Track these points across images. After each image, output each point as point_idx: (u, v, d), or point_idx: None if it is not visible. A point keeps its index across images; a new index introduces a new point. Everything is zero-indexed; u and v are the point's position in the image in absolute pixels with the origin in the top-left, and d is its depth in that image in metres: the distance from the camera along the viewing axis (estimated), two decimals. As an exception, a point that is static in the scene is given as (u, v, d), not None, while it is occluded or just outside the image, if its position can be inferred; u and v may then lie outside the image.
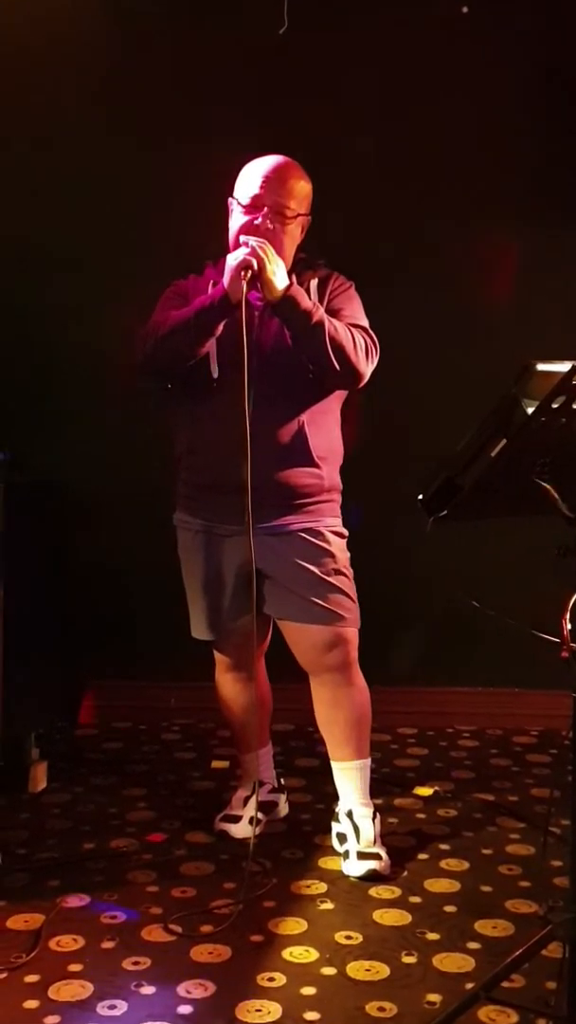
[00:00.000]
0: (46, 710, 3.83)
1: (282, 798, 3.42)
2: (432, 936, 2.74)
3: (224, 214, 3.02)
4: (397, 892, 2.95)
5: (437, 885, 3.00)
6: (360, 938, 2.73)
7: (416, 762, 3.91)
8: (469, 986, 2.45)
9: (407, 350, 3.51)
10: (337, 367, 2.90)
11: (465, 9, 3.84)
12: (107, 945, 2.68)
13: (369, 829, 3.09)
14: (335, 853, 3.15)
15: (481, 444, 2.09)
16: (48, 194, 4.06)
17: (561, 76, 3.98)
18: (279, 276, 2.87)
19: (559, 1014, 2.27)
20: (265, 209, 2.92)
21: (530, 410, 2.03)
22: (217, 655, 3.25)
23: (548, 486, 2.16)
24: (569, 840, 2.19)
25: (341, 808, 3.17)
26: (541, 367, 2.04)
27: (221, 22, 3.97)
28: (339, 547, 3.08)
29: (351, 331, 2.93)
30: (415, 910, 2.86)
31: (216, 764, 3.84)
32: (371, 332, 3.00)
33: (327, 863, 3.11)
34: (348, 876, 3.03)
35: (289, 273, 2.94)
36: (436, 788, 3.64)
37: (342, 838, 3.13)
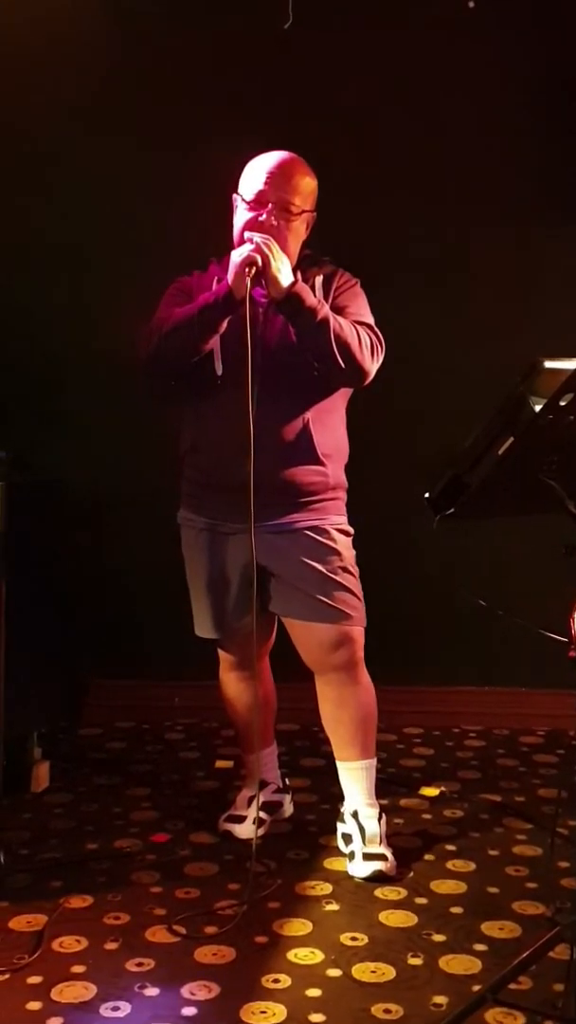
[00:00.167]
0: (49, 709, 3.82)
1: (287, 798, 3.41)
2: (438, 937, 2.72)
3: (228, 211, 3.00)
4: (403, 893, 2.94)
5: (443, 886, 2.98)
6: (366, 939, 2.71)
7: (422, 762, 3.89)
8: (476, 988, 2.44)
9: (412, 347, 3.50)
10: (342, 364, 2.88)
11: (472, 3, 3.82)
12: (110, 946, 2.66)
13: (375, 830, 3.07)
14: (340, 854, 3.13)
15: (488, 442, 2.08)
16: (49, 194, 4.05)
17: (563, 74, 3.96)
18: (284, 273, 2.85)
19: (567, 1016, 2.26)
20: (270, 205, 2.91)
21: (537, 408, 2.02)
22: (221, 654, 3.24)
23: (555, 484, 2.15)
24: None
25: (347, 808, 3.15)
26: (548, 364, 2.03)
27: (223, 20, 3.96)
28: (345, 545, 3.06)
29: (356, 328, 2.92)
30: (421, 911, 2.84)
31: (220, 764, 3.83)
32: (376, 329, 2.99)
33: (332, 864, 3.09)
34: (353, 877, 3.01)
35: (294, 270, 2.93)
36: (442, 788, 3.62)
37: (347, 839, 3.12)
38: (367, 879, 2.99)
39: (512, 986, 2.35)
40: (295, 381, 2.95)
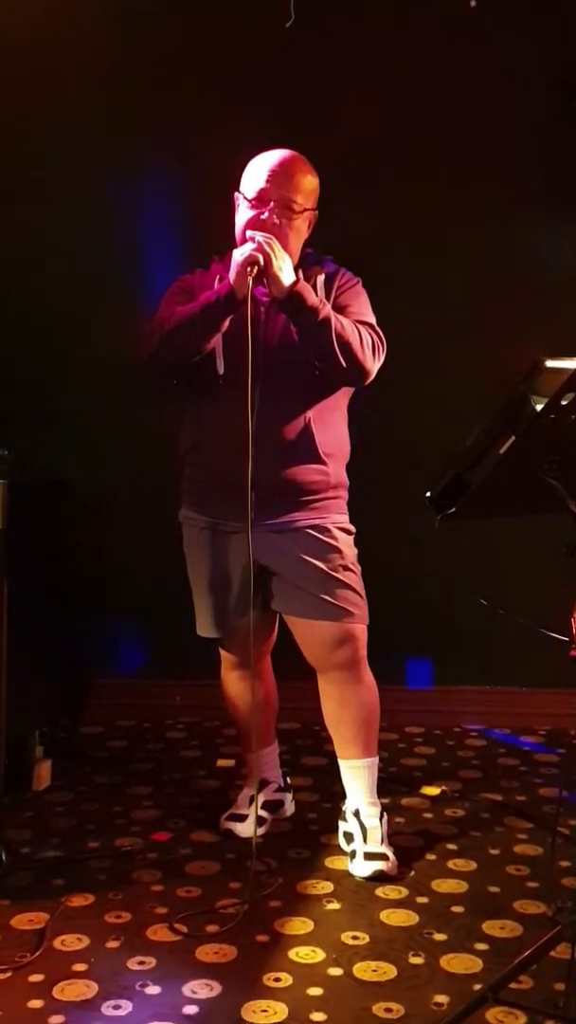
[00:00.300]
0: (50, 708, 3.82)
1: (288, 797, 3.41)
2: (439, 937, 2.72)
3: (230, 209, 3.00)
4: (404, 892, 2.94)
5: (444, 885, 2.98)
6: (367, 938, 2.71)
7: (423, 761, 3.89)
8: (477, 987, 2.44)
9: (413, 347, 3.50)
10: (343, 364, 2.88)
11: (473, 2, 3.82)
12: (112, 944, 2.66)
13: (376, 829, 3.07)
14: (342, 852, 3.13)
15: (490, 441, 2.08)
16: (49, 193, 4.05)
17: (565, 73, 3.96)
18: (285, 272, 2.85)
19: (568, 1016, 2.26)
20: (272, 204, 2.91)
21: (539, 407, 2.02)
22: (223, 652, 3.24)
23: (557, 484, 2.15)
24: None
25: (348, 807, 3.15)
26: (550, 364, 2.03)
27: (225, 19, 3.95)
28: (346, 543, 3.06)
29: (358, 328, 2.92)
30: (422, 910, 2.84)
31: (222, 762, 3.83)
32: (378, 329, 2.99)
33: (334, 863, 3.10)
34: (355, 876, 3.01)
35: (296, 269, 2.93)
36: (443, 788, 3.62)
37: (349, 837, 3.12)
38: (368, 878, 2.99)
39: (513, 985, 2.35)
40: (297, 380, 2.95)
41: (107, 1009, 2.41)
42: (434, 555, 3.94)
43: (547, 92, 3.97)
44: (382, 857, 3.02)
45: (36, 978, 2.52)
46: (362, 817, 3.09)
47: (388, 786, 3.50)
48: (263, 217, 2.91)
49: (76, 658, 4.07)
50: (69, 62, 3.99)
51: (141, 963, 2.59)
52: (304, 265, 3.01)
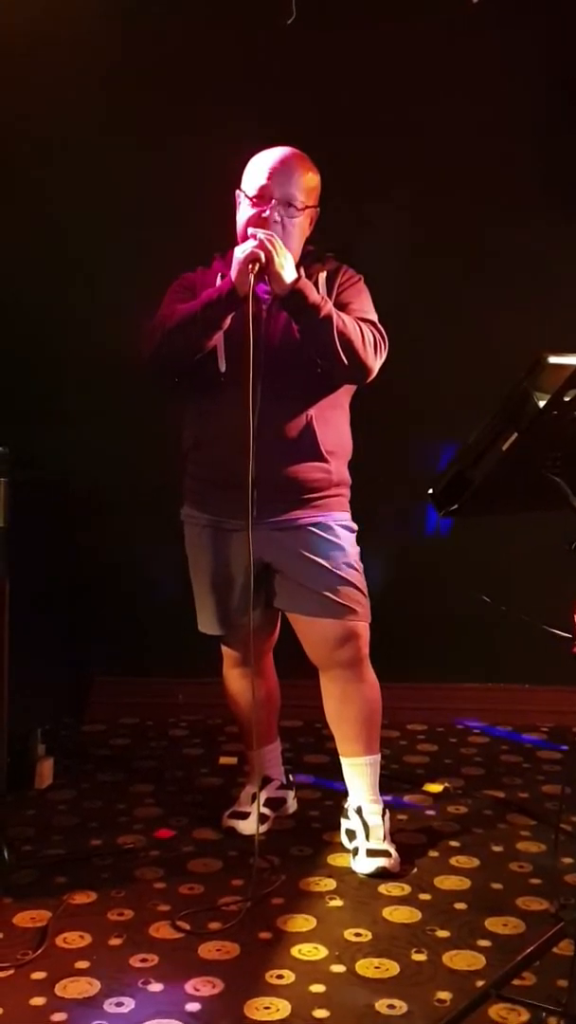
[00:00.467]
0: (53, 706, 3.82)
1: (290, 794, 3.41)
2: (442, 933, 2.72)
3: (231, 206, 3.00)
4: (407, 889, 2.94)
5: (447, 882, 2.98)
6: (369, 935, 2.71)
7: (426, 759, 3.89)
8: (480, 984, 2.44)
9: (415, 344, 3.49)
10: (345, 362, 2.88)
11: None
12: (114, 942, 2.66)
13: (379, 826, 3.07)
14: (344, 850, 3.13)
15: (492, 438, 2.08)
16: (50, 191, 4.04)
17: (567, 71, 3.95)
18: (287, 269, 2.85)
19: (571, 1012, 2.26)
20: (273, 201, 2.90)
21: (541, 403, 2.01)
22: (225, 650, 3.24)
23: (559, 480, 2.14)
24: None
25: (350, 804, 3.15)
26: (552, 360, 2.02)
27: (226, 16, 3.94)
28: (349, 541, 3.06)
29: (360, 325, 2.91)
30: (425, 907, 2.84)
31: (224, 760, 3.83)
32: (379, 326, 2.98)
33: (336, 860, 3.10)
34: (357, 873, 3.01)
35: (297, 266, 2.92)
36: (446, 785, 3.62)
37: (351, 835, 3.12)
38: (371, 875, 2.99)
39: (516, 982, 2.34)
40: (298, 378, 2.95)
41: (109, 1006, 2.41)
42: (436, 552, 3.94)
43: (548, 91, 3.96)
44: (384, 854, 3.02)
45: (38, 976, 2.52)
46: (364, 814, 3.09)
47: (390, 783, 3.50)
48: (264, 215, 2.90)
49: (78, 656, 4.07)
50: (68, 62, 3.98)
51: (143, 960, 2.59)
52: (306, 262, 3.01)
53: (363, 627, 3.06)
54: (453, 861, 3.10)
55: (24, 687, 3.27)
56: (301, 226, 2.97)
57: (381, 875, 2.99)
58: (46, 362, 4.06)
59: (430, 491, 2.18)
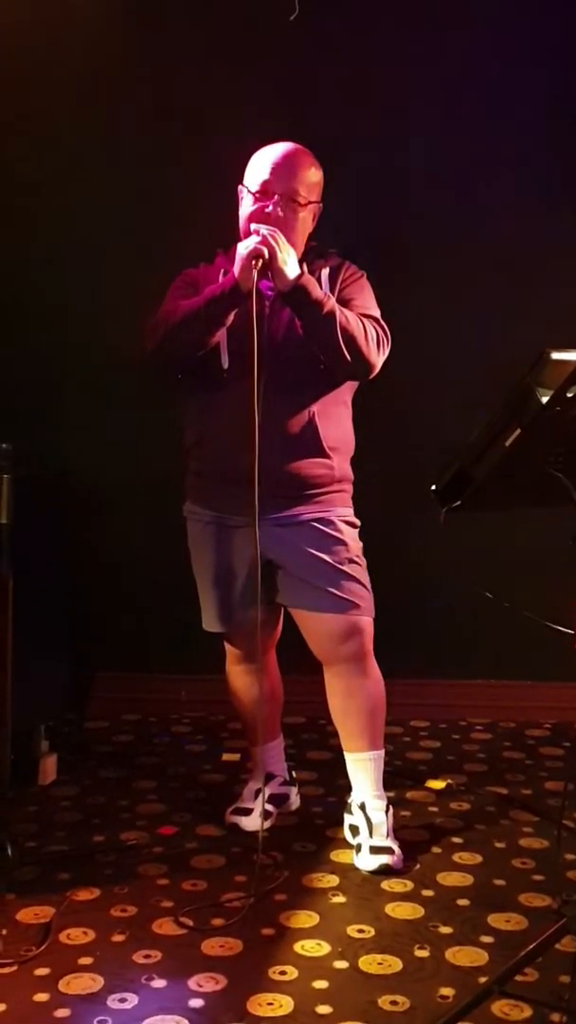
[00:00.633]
0: (55, 702, 3.82)
1: (293, 791, 3.41)
2: (445, 930, 2.72)
3: (234, 202, 2.99)
4: (410, 885, 2.94)
5: (450, 879, 2.98)
6: (372, 932, 2.71)
7: (429, 755, 3.89)
8: (482, 980, 2.44)
9: (418, 340, 3.49)
10: (348, 358, 2.88)
11: None
12: (117, 938, 2.67)
13: (382, 822, 3.07)
14: (347, 846, 3.13)
15: (495, 433, 2.07)
16: (52, 188, 4.04)
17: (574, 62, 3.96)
18: (290, 265, 2.84)
19: (573, 1008, 2.26)
20: (276, 197, 2.90)
21: (544, 399, 2.01)
22: (227, 647, 3.24)
23: (562, 476, 2.14)
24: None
25: (354, 800, 3.15)
26: (556, 355, 2.02)
27: (230, 12, 3.94)
28: (351, 536, 3.06)
29: (362, 321, 2.91)
30: (428, 904, 2.84)
31: (227, 757, 3.83)
32: (382, 322, 2.98)
33: (339, 856, 3.09)
34: (360, 869, 3.01)
35: (300, 262, 2.92)
36: (449, 781, 3.62)
37: (354, 831, 3.12)
38: (374, 871, 2.99)
39: (518, 978, 2.34)
40: (301, 374, 2.94)
41: (113, 1002, 2.41)
42: (439, 548, 3.93)
43: (556, 81, 3.95)
44: (388, 851, 3.02)
45: (42, 972, 2.52)
46: (368, 810, 3.09)
47: (393, 780, 3.49)
48: (267, 210, 2.90)
49: (81, 652, 4.06)
50: (69, 58, 3.98)
51: (147, 957, 2.59)
52: (308, 258, 3.01)
53: (367, 622, 3.06)
54: (456, 857, 3.10)
55: (27, 684, 3.27)
56: (304, 221, 2.97)
57: (384, 871, 2.98)
58: (47, 359, 4.06)
59: (433, 487, 2.18)
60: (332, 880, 2.96)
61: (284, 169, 2.92)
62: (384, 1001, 2.43)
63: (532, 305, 3.96)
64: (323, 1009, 2.40)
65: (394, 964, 2.57)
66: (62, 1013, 2.38)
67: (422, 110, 3.98)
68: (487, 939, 2.68)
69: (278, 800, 3.33)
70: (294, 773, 3.46)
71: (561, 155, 3.99)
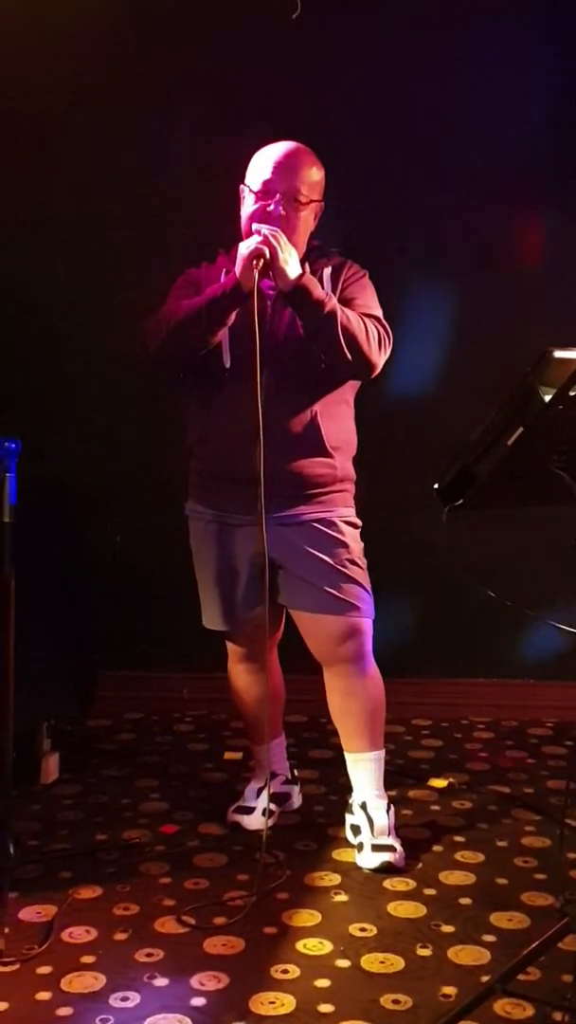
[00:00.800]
0: (58, 701, 3.82)
1: (295, 789, 3.41)
2: (447, 928, 2.72)
3: (236, 201, 2.99)
4: (412, 884, 2.94)
5: (452, 877, 2.98)
6: (374, 930, 2.71)
7: (430, 754, 3.89)
8: (485, 979, 2.44)
9: (420, 339, 3.49)
10: (349, 357, 2.87)
11: None
12: (120, 937, 2.67)
13: (383, 821, 3.07)
14: (349, 845, 3.13)
15: (497, 432, 2.07)
16: (54, 185, 4.04)
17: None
18: (292, 265, 2.84)
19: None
20: (278, 195, 2.90)
21: (547, 398, 2.01)
22: (230, 646, 3.24)
23: (565, 475, 2.14)
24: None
25: (355, 800, 3.15)
26: (558, 354, 2.02)
27: (232, 10, 3.94)
28: (353, 537, 3.06)
29: (364, 321, 2.91)
30: (430, 902, 2.84)
31: (229, 755, 3.83)
32: (384, 322, 2.98)
33: (341, 855, 3.10)
34: (362, 868, 3.01)
35: (302, 261, 2.92)
36: (451, 780, 3.62)
37: (356, 830, 3.12)
38: (376, 870, 2.99)
39: (521, 977, 2.34)
40: (303, 373, 2.94)
41: (115, 1001, 2.42)
42: (441, 547, 3.92)
43: (559, 79, 3.95)
44: (389, 849, 3.02)
45: (44, 970, 2.52)
46: (369, 809, 3.09)
47: (395, 778, 3.50)
48: (269, 209, 2.90)
49: (83, 651, 4.06)
50: (69, 58, 3.98)
51: (149, 955, 2.59)
52: (310, 257, 3.00)
53: (366, 623, 3.06)
54: (458, 856, 3.10)
55: (29, 682, 3.27)
56: (305, 221, 2.96)
57: (386, 870, 2.98)
58: (52, 356, 4.06)
59: (435, 486, 2.18)
60: (334, 879, 2.96)
61: (286, 168, 2.91)
62: (386, 1000, 2.43)
63: (534, 303, 3.96)
64: (325, 1008, 2.40)
65: (396, 963, 2.57)
66: (64, 1012, 2.38)
67: (423, 109, 3.97)
68: (489, 938, 2.68)
69: (280, 799, 3.33)
70: (296, 772, 3.46)
71: (562, 154, 3.99)
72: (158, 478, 3.66)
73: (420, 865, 3.04)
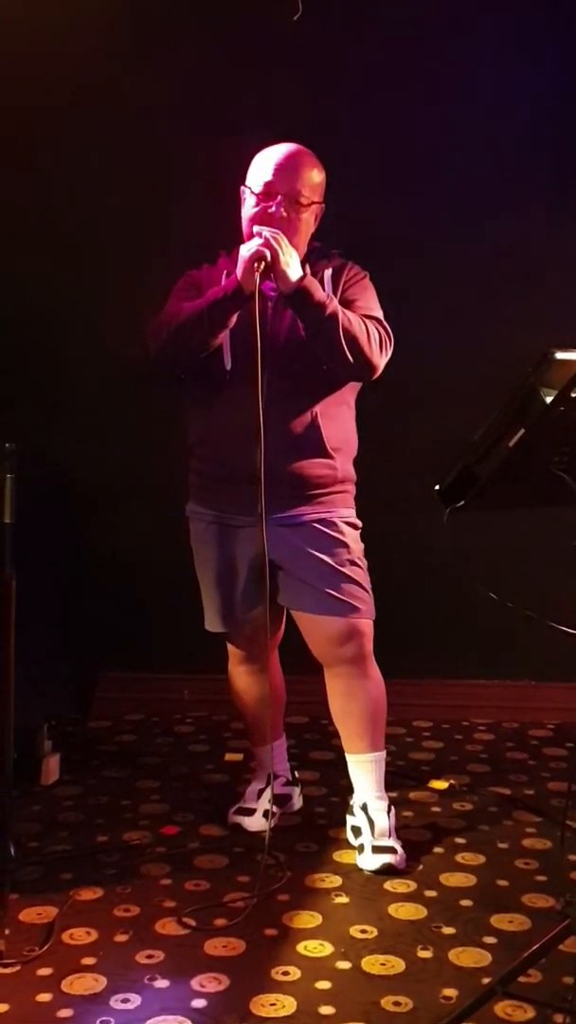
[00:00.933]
0: (58, 702, 3.82)
1: (296, 791, 3.40)
2: (448, 930, 2.72)
3: (236, 203, 2.99)
4: (412, 886, 2.94)
5: (453, 879, 2.98)
6: (375, 932, 2.71)
7: (431, 755, 3.89)
8: (485, 981, 2.43)
9: (422, 341, 3.48)
10: (350, 359, 2.87)
11: None
12: (120, 938, 2.66)
13: (384, 822, 3.07)
14: (350, 846, 3.13)
15: (499, 434, 2.07)
16: (55, 186, 4.04)
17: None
18: (293, 267, 2.84)
19: (577, 1010, 2.26)
20: (279, 197, 2.89)
21: (549, 399, 2.01)
22: (230, 647, 3.23)
23: (566, 476, 2.14)
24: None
25: (356, 801, 3.15)
26: (560, 355, 2.02)
27: (232, 12, 3.93)
28: (353, 538, 3.06)
29: (365, 323, 2.91)
30: (431, 904, 2.84)
31: (230, 757, 3.82)
32: (385, 323, 2.97)
33: (342, 856, 3.09)
34: (363, 870, 3.01)
35: (303, 263, 2.92)
36: (451, 781, 3.62)
37: (357, 831, 3.11)
38: (376, 872, 2.99)
39: (522, 979, 2.34)
40: (304, 375, 2.94)
41: (115, 1003, 2.41)
42: (442, 549, 3.92)
43: (557, 81, 3.95)
44: (390, 851, 3.02)
45: (44, 972, 2.52)
46: (370, 811, 3.08)
47: (396, 780, 3.49)
48: (270, 211, 2.90)
49: (84, 652, 4.06)
50: (71, 56, 3.98)
51: (149, 957, 2.59)
52: (311, 259, 3.00)
53: (367, 624, 3.05)
54: (459, 858, 3.10)
55: (30, 683, 3.27)
56: (306, 222, 2.96)
57: (387, 872, 2.98)
58: (50, 358, 4.06)
59: (436, 487, 2.18)
60: (335, 880, 2.96)
61: (287, 170, 2.91)
62: (387, 1002, 2.42)
63: (536, 305, 3.95)
64: (326, 1010, 2.40)
65: (397, 965, 2.56)
66: (65, 1013, 2.38)
67: (424, 110, 3.97)
68: (490, 940, 2.67)
69: (281, 800, 3.32)
70: (297, 773, 3.45)
71: (562, 154, 3.99)
72: (158, 478, 3.65)
73: (421, 867, 3.04)
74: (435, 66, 3.95)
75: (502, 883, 2.96)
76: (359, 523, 3.10)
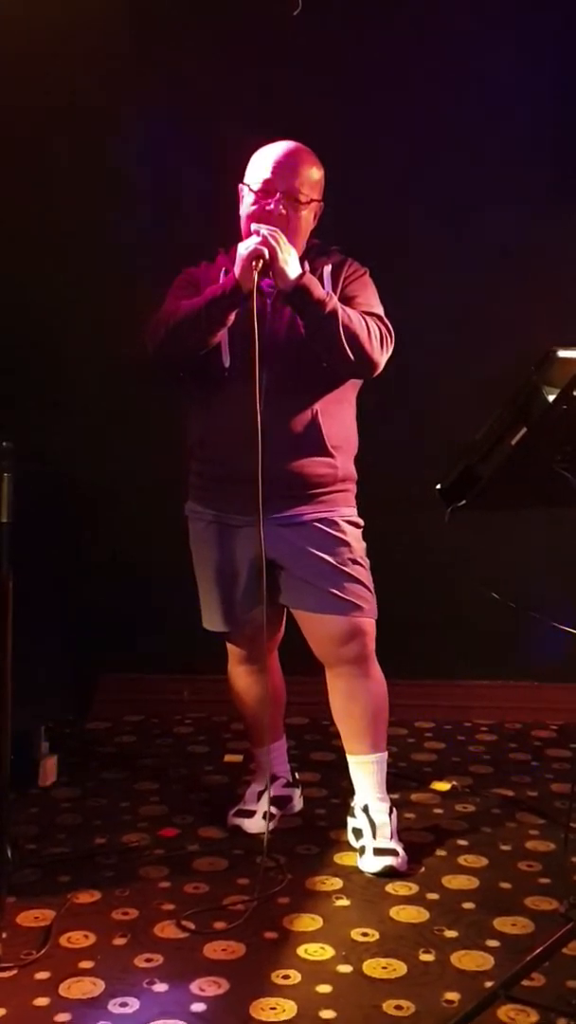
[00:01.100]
0: (56, 703, 3.80)
1: (296, 792, 3.39)
2: (450, 933, 2.70)
3: (235, 200, 2.98)
4: (414, 888, 2.92)
5: (455, 881, 2.96)
6: (376, 935, 2.69)
7: (433, 756, 3.87)
8: (488, 984, 2.41)
9: (422, 337, 3.47)
10: (351, 357, 2.86)
11: None
12: (119, 942, 2.65)
13: (386, 824, 3.05)
14: (351, 848, 3.11)
15: (501, 432, 2.06)
16: (54, 184, 4.03)
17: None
18: (291, 265, 2.82)
19: (580, 1013, 2.24)
20: (277, 195, 2.88)
21: (551, 397, 2.00)
22: (230, 647, 3.22)
23: (569, 475, 2.13)
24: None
25: (357, 803, 3.13)
26: (562, 354, 2.01)
27: (232, 8, 3.92)
28: (355, 537, 3.04)
29: (365, 320, 2.89)
30: (433, 907, 2.82)
31: (229, 758, 3.81)
32: (386, 320, 2.96)
33: (343, 859, 3.08)
34: (364, 872, 2.99)
35: (302, 260, 2.90)
36: (454, 783, 3.60)
37: (358, 833, 3.10)
38: (378, 874, 2.97)
39: (525, 982, 2.33)
40: (304, 373, 2.93)
41: (114, 1007, 2.39)
42: (443, 548, 3.92)
43: (560, 77, 3.94)
44: (392, 853, 3.00)
45: (42, 976, 2.50)
46: (371, 812, 3.07)
47: (398, 781, 3.48)
48: (268, 209, 2.89)
49: (82, 653, 4.04)
50: (71, 56, 3.97)
51: (148, 960, 2.57)
52: (310, 256, 2.99)
53: (369, 623, 3.04)
54: (461, 860, 3.08)
55: (28, 684, 3.25)
56: (305, 220, 2.95)
57: (388, 874, 2.96)
58: (50, 357, 4.05)
59: (438, 486, 2.17)
60: (336, 883, 2.94)
61: (285, 167, 2.90)
62: (388, 1006, 2.40)
63: (537, 303, 3.94)
64: (327, 1014, 2.38)
65: (399, 968, 2.55)
66: (63, 1018, 2.36)
67: (424, 108, 3.96)
68: (493, 943, 2.65)
69: (281, 802, 3.31)
70: (297, 775, 3.44)
71: (564, 153, 3.98)
72: (158, 478, 3.64)
73: (423, 869, 3.02)
74: (435, 66, 3.94)
75: (505, 886, 2.94)
76: (361, 522, 3.08)
